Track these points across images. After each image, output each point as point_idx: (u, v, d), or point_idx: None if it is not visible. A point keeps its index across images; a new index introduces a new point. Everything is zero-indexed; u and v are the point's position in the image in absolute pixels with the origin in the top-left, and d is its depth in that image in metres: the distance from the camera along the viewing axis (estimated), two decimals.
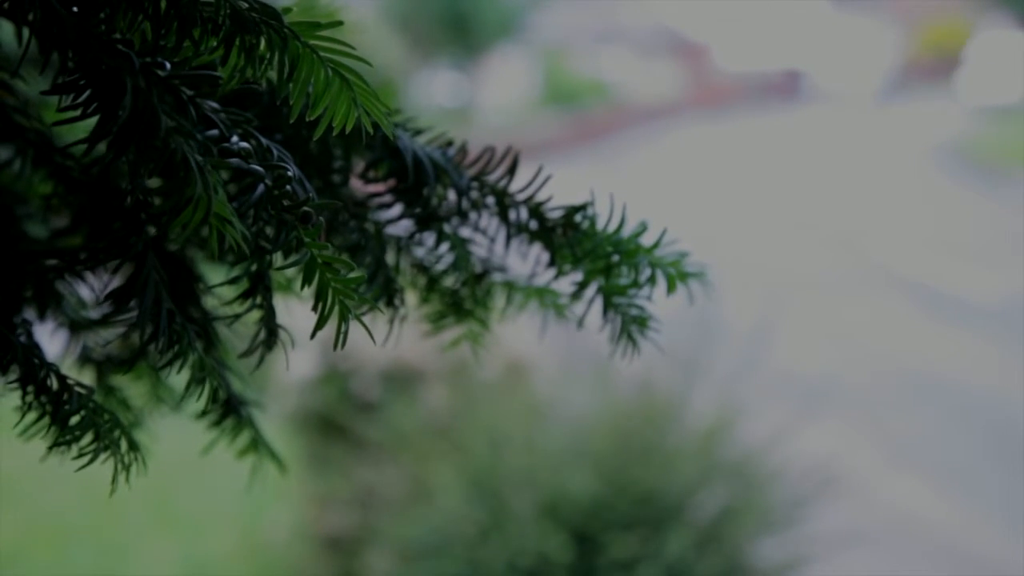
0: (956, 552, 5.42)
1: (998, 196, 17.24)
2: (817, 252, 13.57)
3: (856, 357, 9.13)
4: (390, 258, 1.03)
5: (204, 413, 0.96)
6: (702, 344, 3.68)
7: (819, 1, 38.25)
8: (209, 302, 1.00)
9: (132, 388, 1.12)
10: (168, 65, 0.79)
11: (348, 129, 0.77)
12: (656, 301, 1.02)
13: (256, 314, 0.92)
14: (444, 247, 1.03)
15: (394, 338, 1.01)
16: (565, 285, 1.04)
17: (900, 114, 30.32)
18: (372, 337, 0.81)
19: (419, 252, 1.06)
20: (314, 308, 0.77)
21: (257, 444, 1.05)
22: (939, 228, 14.87)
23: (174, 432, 2.06)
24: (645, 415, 3.63)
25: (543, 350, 4.46)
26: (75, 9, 0.77)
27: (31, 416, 0.85)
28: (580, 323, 1.04)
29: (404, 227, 1.03)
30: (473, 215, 1.02)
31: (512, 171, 1.02)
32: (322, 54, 0.77)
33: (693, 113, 31.20)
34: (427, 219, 1.01)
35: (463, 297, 1.07)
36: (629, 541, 3.28)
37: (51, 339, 1.03)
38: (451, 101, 23.56)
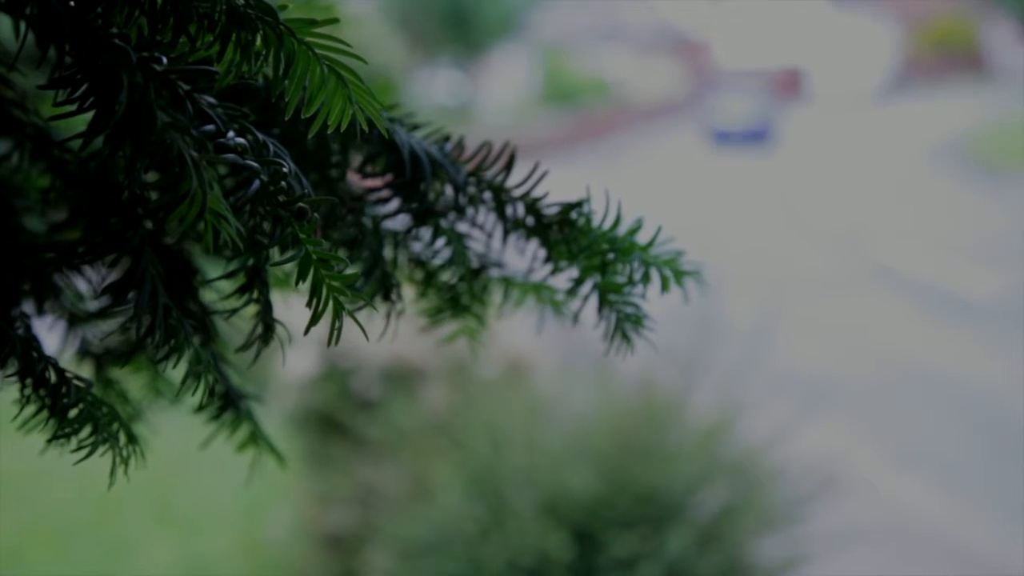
0: (956, 551, 5.42)
1: (998, 195, 17.23)
2: (817, 250, 13.56)
3: (856, 355, 9.13)
4: (387, 253, 1.03)
5: (202, 407, 0.96)
6: (703, 342, 3.68)
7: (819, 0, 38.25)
8: (207, 296, 1.00)
9: (131, 381, 1.13)
10: (165, 60, 0.79)
11: (343, 127, 0.77)
12: (656, 299, 1.02)
13: (253, 309, 0.92)
14: (441, 242, 1.03)
15: (391, 333, 1.02)
16: (562, 281, 1.04)
17: (900, 112, 30.30)
18: (366, 334, 0.81)
19: (416, 247, 1.06)
20: (308, 304, 0.77)
21: (256, 438, 1.05)
22: (938, 226, 14.87)
23: (174, 430, 2.07)
24: (645, 413, 3.63)
25: (543, 348, 4.46)
26: (72, 4, 0.77)
27: (30, 409, 0.85)
28: (575, 319, 1.04)
29: (401, 222, 1.03)
30: (470, 210, 1.03)
31: (509, 167, 1.02)
32: (318, 51, 0.77)
33: (694, 111, 31.17)
34: (424, 214, 1.01)
35: (460, 292, 1.07)
36: (629, 539, 3.28)
37: (50, 332, 1.04)
38: (451, 99, 23.57)
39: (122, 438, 0.85)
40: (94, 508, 5.54)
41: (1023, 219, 14.69)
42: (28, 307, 0.97)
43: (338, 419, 4.30)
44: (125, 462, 0.85)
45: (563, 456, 3.53)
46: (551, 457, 3.53)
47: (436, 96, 22.59)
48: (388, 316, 1.02)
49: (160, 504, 5.63)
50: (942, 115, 27.94)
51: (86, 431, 0.84)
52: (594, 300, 1.01)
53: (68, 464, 0.86)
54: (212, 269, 0.99)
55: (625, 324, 1.00)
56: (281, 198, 0.78)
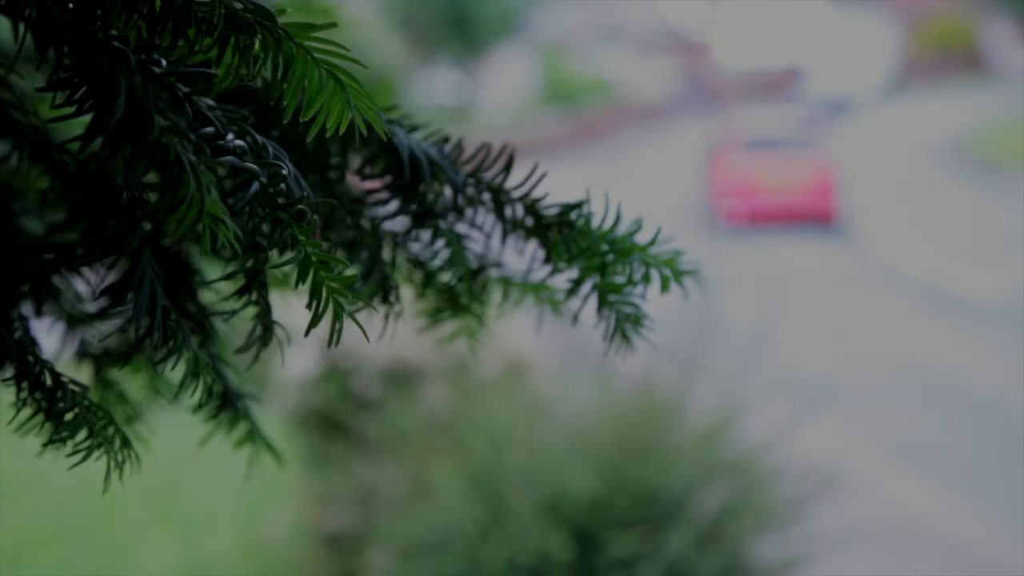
0: (956, 551, 5.42)
1: (998, 194, 17.24)
2: (816, 250, 13.56)
3: (856, 355, 9.13)
4: (386, 254, 1.03)
5: (200, 407, 0.96)
6: (702, 342, 3.68)
7: None
8: (207, 296, 1.00)
9: (130, 381, 1.13)
10: (164, 62, 0.79)
11: (342, 130, 0.77)
12: (655, 299, 1.02)
13: (252, 310, 0.92)
14: (440, 243, 1.03)
15: (390, 334, 1.02)
16: (561, 281, 1.04)
17: (900, 112, 30.30)
18: (366, 335, 0.81)
19: (415, 248, 1.06)
20: (308, 306, 0.77)
21: (254, 436, 1.05)
22: (939, 226, 14.88)
23: (174, 430, 2.07)
24: (645, 413, 3.62)
25: (543, 348, 4.46)
26: (70, 6, 0.77)
27: (26, 412, 0.85)
28: (575, 320, 1.04)
29: (400, 223, 1.03)
30: (469, 211, 1.03)
31: (508, 168, 1.02)
32: (316, 55, 0.77)
33: (694, 111, 31.22)
34: (423, 215, 1.01)
35: (459, 293, 1.07)
36: (629, 539, 3.29)
37: (49, 333, 1.04)
38: (452, 99, 23.59)
39: (117, 443, 0.85)
40: (94, 508, 5.54)
41: None
42: (27, 308, 0.97)
43: (338, 419, 4.30)
44: (120, 467, 0.85)
45: (563, 456, 3.53)
46: (551, 457, 3.53)
47: (436, 96, 22.59)
48: (387, 317, 1.02)
49: (160, 504, 5.63)
50: (942, 115, 27.92)
51: (81, 435, 0.84)
52: (593, 300, 1.01)
53: (66, 464, 0.86)
54: (211, 270, 0.99)
55: (625, 324, 1.00)
56: (280, 200, 0.78)
